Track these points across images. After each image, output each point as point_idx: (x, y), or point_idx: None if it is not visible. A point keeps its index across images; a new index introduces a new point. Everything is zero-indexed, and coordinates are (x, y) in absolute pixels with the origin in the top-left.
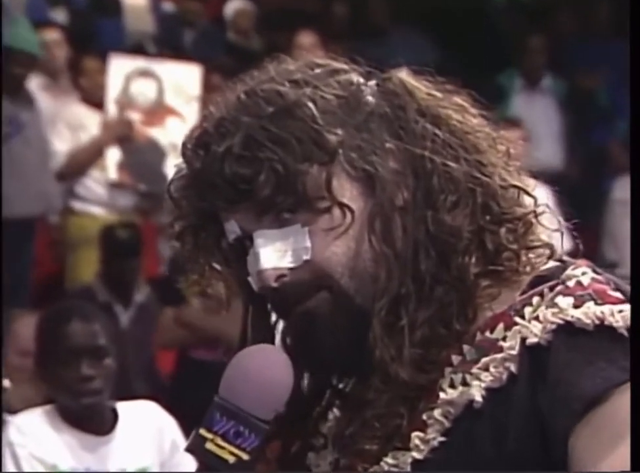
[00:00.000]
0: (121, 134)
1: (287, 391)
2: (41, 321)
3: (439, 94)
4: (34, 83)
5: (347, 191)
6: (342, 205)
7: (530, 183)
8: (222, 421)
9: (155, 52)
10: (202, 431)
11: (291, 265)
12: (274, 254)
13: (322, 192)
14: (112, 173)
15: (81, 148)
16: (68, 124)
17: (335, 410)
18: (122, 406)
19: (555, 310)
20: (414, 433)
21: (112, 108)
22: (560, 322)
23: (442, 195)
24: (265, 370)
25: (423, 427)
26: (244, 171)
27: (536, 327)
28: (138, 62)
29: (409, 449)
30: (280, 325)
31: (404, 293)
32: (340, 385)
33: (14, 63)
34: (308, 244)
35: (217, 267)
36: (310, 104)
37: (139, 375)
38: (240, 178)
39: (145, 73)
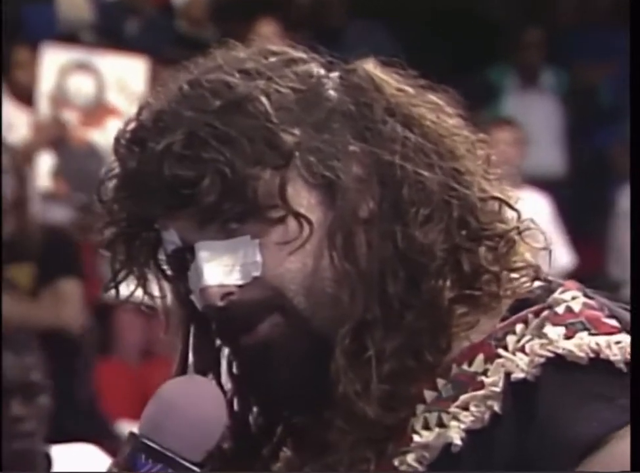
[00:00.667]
0: (54, 136)
1: (220, 429)
2: None
3: (410, 90)
4: None
5: (304, 199)
6: (298, 216)
7: (513, 194)
8: (147, 464)
9: (94, 43)
10: None
11: (239, 282)
12: (219, 269)
13: (276, 199)
14: (45, 181)
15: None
16: None
17: (286, 449)
18: (56, 451)
19: (544, 341)
20: None
21: (44, 106)
22: (550, 355)
23: (413, 208)
24: (194, 405)
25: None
26: (185, 173)
27: (522, 360)
28: (75, 54)
29: None
30: (227, 349)
31: (370, 319)
32: (294, 420)
33: None
34: (259, 258)
35: (153, 280)
36: (263, 99)
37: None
38: (181, 181)
39: (83, 67)
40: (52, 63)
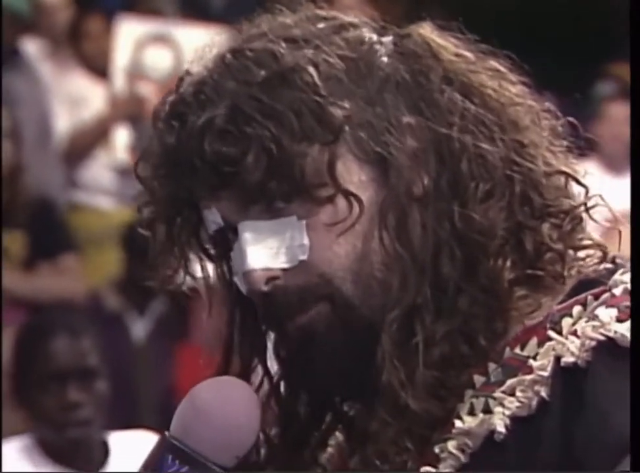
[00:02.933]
0: (131, 111)
1: (253, 436)
2: (17, 337)
3: (470, 56)
4: (33, 50)
5: (354, 177)
6: (347, 194)
7: (580, 168)
8: (174, 465)
9: (173, 14)
10: None
11: (285, 266)
12: (264, 252)
13: (324, 177)
14: (122, 155)
15: (84, 127)
16: (68, 97)
17: (338, 434)
18: (114, 438)
19: (596, 323)
20: (424, 469)
21: (119, 80)
22: (601, 338)
23: (472, 183)
24: (227, 412)
25: (434, 461)
26: (228, 149)
27: (573, 344)
28: (153, 26)
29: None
30: (273, 334)
31: (420, 303)
32: (345, 408)
33: None
34: (306, 240)
35: (196, 261)
36: (311, 69)
37: (152, 403)
38: (223, 158)
39: (160, 39)
40: (128, 35)
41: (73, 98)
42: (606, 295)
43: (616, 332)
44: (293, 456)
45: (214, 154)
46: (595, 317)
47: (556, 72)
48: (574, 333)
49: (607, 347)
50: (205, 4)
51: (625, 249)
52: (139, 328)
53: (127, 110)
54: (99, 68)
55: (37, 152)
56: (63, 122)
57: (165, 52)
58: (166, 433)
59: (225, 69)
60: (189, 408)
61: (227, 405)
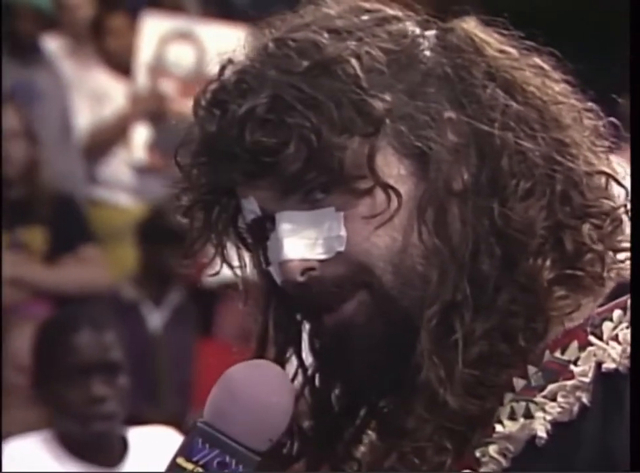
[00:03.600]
0: (152, 108)
1: (285, 418)
2: (40, 331)
3: (514, 52)
4: (55, 47)
5: (394, 170)
6: (386, 187)
7: (622, 169)
8: (204, 449)
9: (198, 11)
10: (180, 461)
11: (321, 257)
12: (301, 242)
13: (364, 170)
14: (140, 154)
15: (104, 123)
16: (90, 94)
17: (371, 433)
18: (133, 434)
19: None
20: (465, 472)
21: (142, 76)
22: None
23: (513, 181)
24: (259, 392)
25: (475, 465)
26: (268, 139)
27: (615, 350)
28: (177, 22)
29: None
30: (308, 325)
31: (459, 300)
32: (380, 404)
33: (19, 18)
34: (343, 232)
35: (233, 249)
36: (353, 61)
37: (171, 394)
38: (263, 148)
39: (184, 36)
40: (152, 32)
41: (95, 95)
42: None
43: None
44: (326, 450)
45: (254, 143)
46: None
47: (602, 72)
48: (615, 338)
49: None
50: (228, 1)
51: None
52: (156, 319)
53: (148, 107)
54: (122, 65)
55: (58, 148)
56: (84, 118)
57: (188, 49)
58: (197, 419)
59: (267, 58)
60: (221, 391)
61: (259, 387)
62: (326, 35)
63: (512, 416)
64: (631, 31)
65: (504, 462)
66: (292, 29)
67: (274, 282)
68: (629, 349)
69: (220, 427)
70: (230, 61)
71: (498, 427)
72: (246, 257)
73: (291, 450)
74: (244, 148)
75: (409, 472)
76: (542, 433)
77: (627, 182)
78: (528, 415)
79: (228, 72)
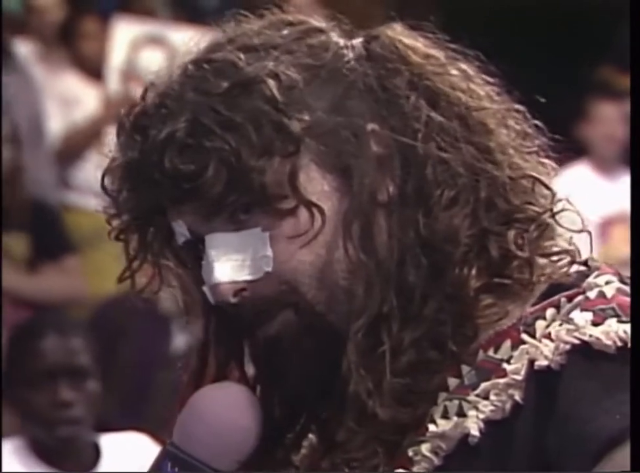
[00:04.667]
0: None
1: (253, 439)
2: (9, 337)
3: (440, 57)
4: (25, 51)
5: (317, 186)
6: (310, 205)
7: (551, 169)
8: (173, 472)
9: (168, 16)
10: None
11: (250, 278)
12: (229, 264)
13: (286, 189)
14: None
15: (77, 128)
16: (61, 98)
17: (311, 436)
18: (106, 440)
19: (570, 327)
20: (397, 471)
21: (113, 81)
22: (576, 342)
23: (437, 190)
24: (225, 414)
25: (407, 464)
26: (186, 166)
27: (547, 347)
28: (148, 27)
29: None
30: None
31: (386, 311)
32: (319, 412)
33: None
34: (270, 252)
35: (170, 267)
36: (270, 81)
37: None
38: (182, 174)
39: (155, 41)
40: (123, 36)
41: (66, 99)
42: (580, 297)
43: (591, 335)
44: (266, 457)
45: (174, 169)
46: (570, 320)
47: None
48: (548, 336)
49: (582, 350)
50: (198, 6)
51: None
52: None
53: (121, 110)
54: (92, 69)
55: (30, 152)
56: (56, 123)
57: (159, 53)
58: (167, 441)
59: (186, 80)
60: (189, 414)
61: (227, 409)
62: (242, 55)
63: (445, 415)
64: (631, 31)
65: (436, 460)
66: (210, 50)
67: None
68: (562, 346)
69: (188, 450)
70: (152, 84)
71: (431, 427)
72: (184, 276)
73: None
74: (165, 174)
75: None
76: (475, 432)
77: (554, 186)
78: (461, 413)
79: (150, 95)
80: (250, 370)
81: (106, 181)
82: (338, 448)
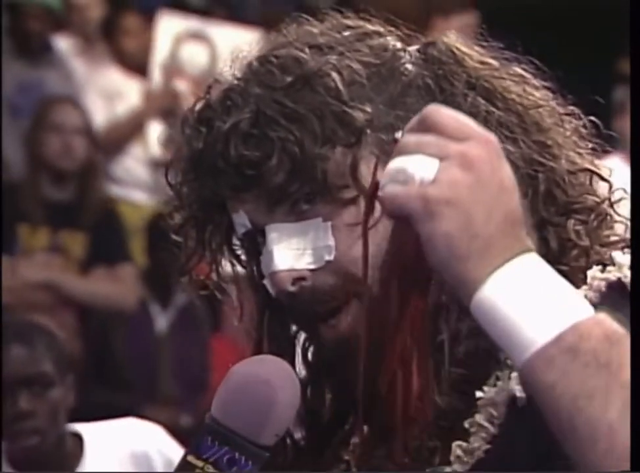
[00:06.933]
0: (166, 106)
1: (291, 413)
2: None
3: (494, 63)
4: (65, 46)
5: (377, 178)
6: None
7: (606, 167)
8: (213, 447)
9: (209, 12)
10: (190, 458)
11: (311, 267)
12: (290, 253)
13: (347, 179)
14: (154, 149)
15: (119, 121)
16: (103, 92)
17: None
18: (89, 431)
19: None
20: (456, 443)
21: (156, 75)
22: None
23: None
24: (265, 387)
25: (464, 437)
26: (251, 153)
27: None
28: (190, 23)
29: (449, 463)
30: (302, 336)
31: (444, 301)
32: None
33: (28, 17)
34: (331, 241)
35: (227, 266)
36: (334, 74)
37: (176, 394)
38: (246, 161)
39: (197, 36)
40: (167, 31)
41: (108, 93)
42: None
43: (626, 276)
44: (317, 457)
45: (238, 157)
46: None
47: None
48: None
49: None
50: (240, 3)
51: None
52: (162, 320)
53: (163, 104)
54: (133, 64)
55: None
56: (98, 117)
57: (201, 49)
58: (206, 416)
59: (251, 75)
60: (228, 387)
61: (265, 382)
62: (307, 50)
63: (494, 384)
64: (631, 31)
65: (492, 429)
66: (274, 47)
67: (268, 295)
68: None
69: (228, 423)
70: (216, 81)
71: (478, 393)
72: (240, 273)
73: (284, 461)
74: (229, 162)
75: (397, 468)
76: (520, 394)
77: (612, 178)
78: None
79: (215, 91)
80: (302, 371)
81: (170, 175)
82: (393, 437)
